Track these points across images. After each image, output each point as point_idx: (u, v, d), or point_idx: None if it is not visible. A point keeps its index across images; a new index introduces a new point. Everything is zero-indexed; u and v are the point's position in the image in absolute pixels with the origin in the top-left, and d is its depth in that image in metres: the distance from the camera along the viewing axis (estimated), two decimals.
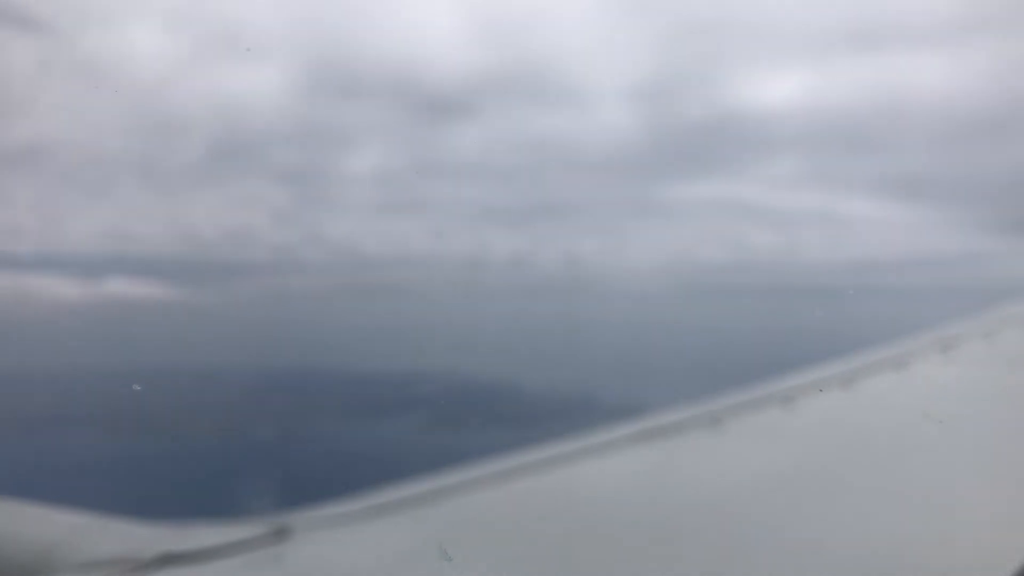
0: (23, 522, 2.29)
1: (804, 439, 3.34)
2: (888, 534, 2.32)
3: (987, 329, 5.19)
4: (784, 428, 3.37)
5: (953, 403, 3.69)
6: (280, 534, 2.28)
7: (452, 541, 2.32)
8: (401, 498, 2.58)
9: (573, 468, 2.94)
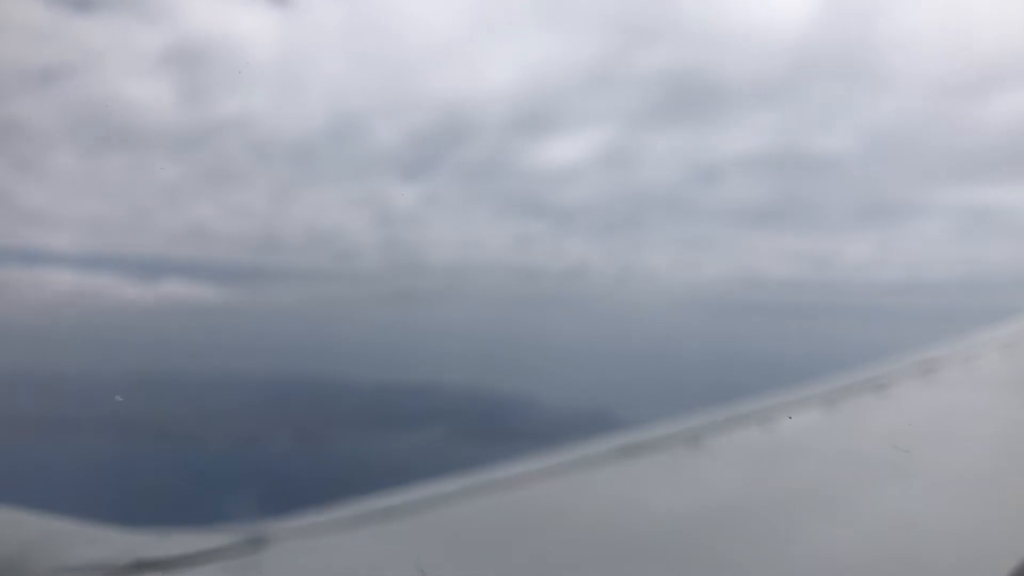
0: None
1: (781, 459, 3.33)
2: (861, 555, 2.30)
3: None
4: (764, 447, 3.37)
5: (933, 426, 3.67)
6: (256, 543, 2.29)
7: (428, 553, 2.32)
8: (379, 508, 2.58)
9: (553, 482, 2.93)
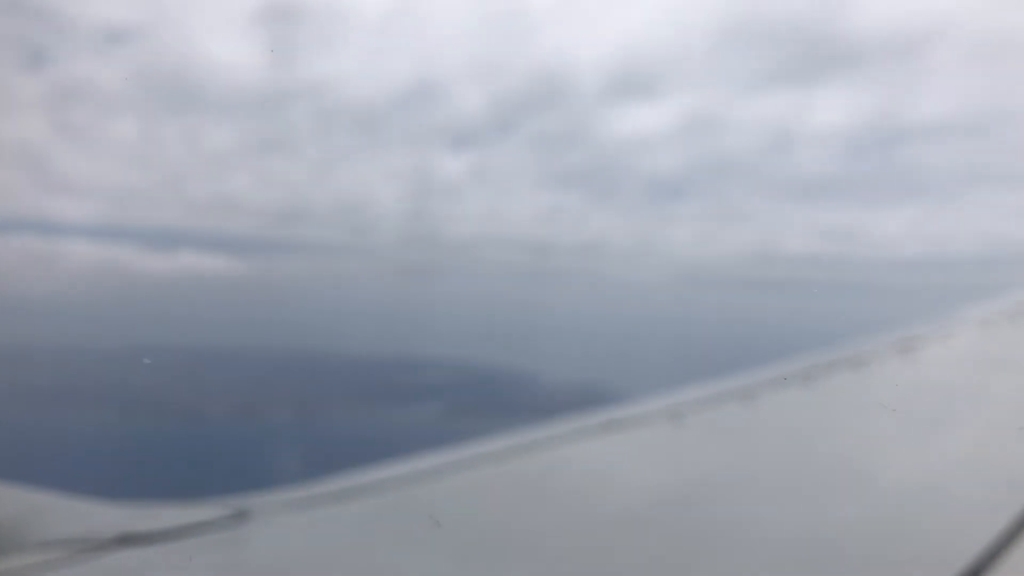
0: None
1: (761, 435, 3.36)
2: (842, 530, 2.33)
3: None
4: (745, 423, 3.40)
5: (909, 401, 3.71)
6: (239, 517, 2.31)
7: (409, 527, 2.34)
8: (363, 483, 2.61)
9: (539, 456, 2.96)
